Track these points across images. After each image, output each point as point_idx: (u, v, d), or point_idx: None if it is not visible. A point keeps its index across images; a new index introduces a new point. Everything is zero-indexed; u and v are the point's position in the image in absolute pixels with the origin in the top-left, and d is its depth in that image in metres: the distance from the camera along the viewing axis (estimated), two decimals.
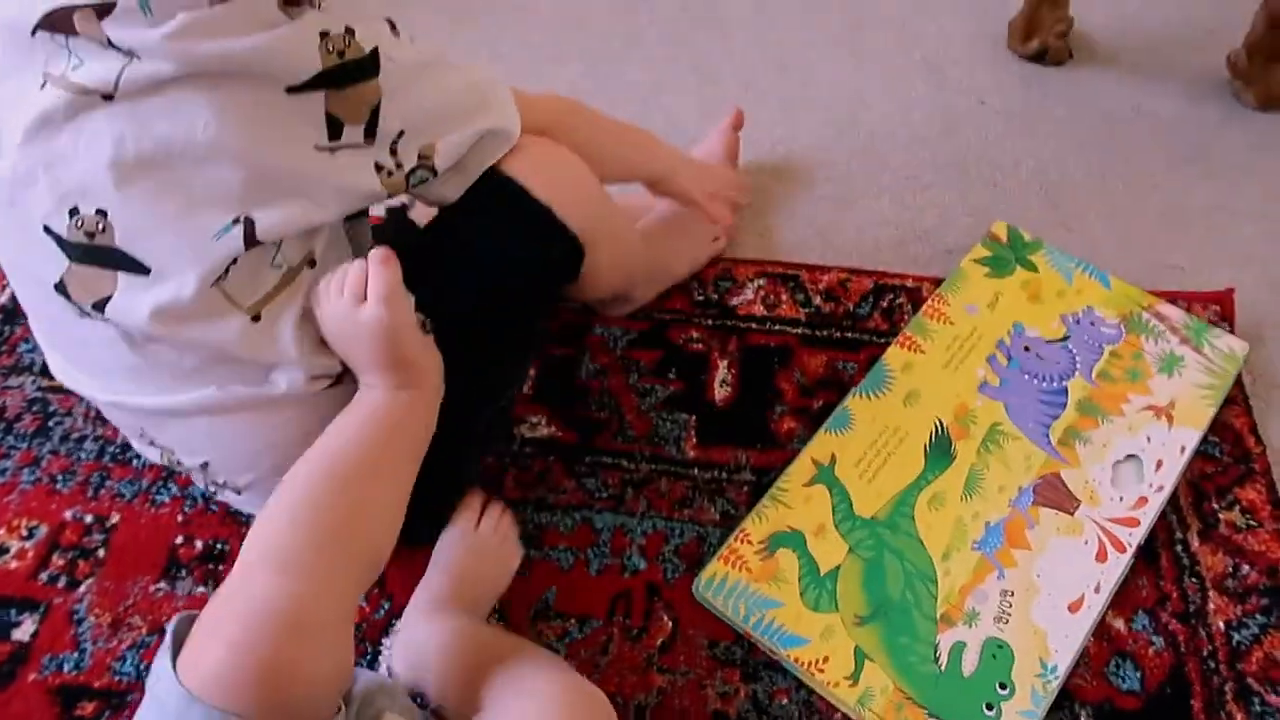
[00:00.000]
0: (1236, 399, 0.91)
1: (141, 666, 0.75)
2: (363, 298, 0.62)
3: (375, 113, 0.61)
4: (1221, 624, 0.79)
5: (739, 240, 1.05)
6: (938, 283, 0.99)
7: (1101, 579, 0.78)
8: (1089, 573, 0.78)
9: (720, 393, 0.91)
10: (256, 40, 0.55)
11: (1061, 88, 1.22)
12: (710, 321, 0.97)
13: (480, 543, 0.78)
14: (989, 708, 0.72)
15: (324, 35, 0.58)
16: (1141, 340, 0.92)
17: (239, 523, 0.83)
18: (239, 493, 0.73)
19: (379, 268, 0.61)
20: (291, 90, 0.58)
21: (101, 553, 0.81)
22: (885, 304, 0.98)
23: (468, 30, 1.31)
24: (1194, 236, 1.07)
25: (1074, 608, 0.77)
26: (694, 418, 0.90)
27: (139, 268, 0.59)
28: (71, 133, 0.56)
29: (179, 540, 0.82)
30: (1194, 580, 0.81)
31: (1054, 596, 0.77)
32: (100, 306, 0.60)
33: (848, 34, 1.28)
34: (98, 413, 0.89)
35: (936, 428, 0.86)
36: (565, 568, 0.81)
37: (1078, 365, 0.90)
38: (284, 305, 0.63)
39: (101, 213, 0.57)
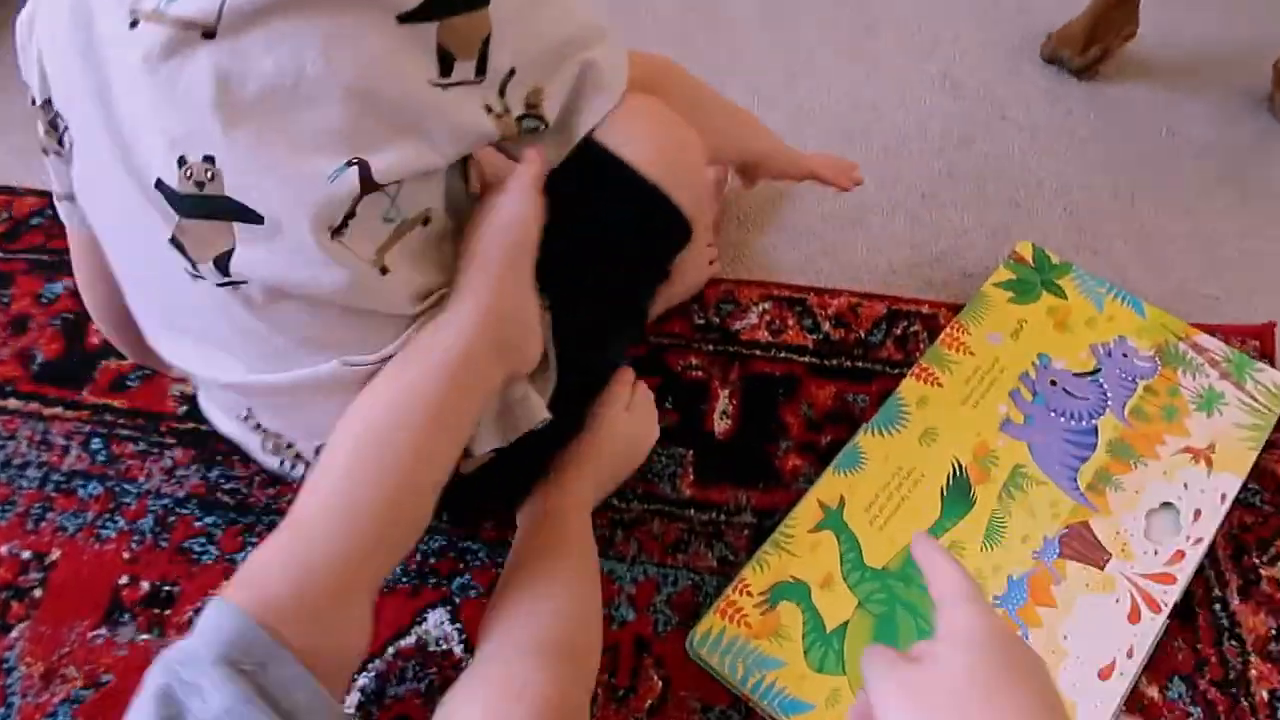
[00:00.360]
0: (1277, 442, 0.84)
1: None
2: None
3: (486, 46, 0.55)
4: (1265, 693, 0.72)
5: (743, 260, 0.98)
6: (956, 309, 0.92)
7: (1135, 642, 0.71)
8: (1121, 635, 0.71)
9: (720, 425, 0.84)
10: None
11: (1087, 103, 1.15)
12: (711, 347, 0.90)
13: (633, 424, 0.77)
14: None
15: None
16: (1178, 374, 0.85)
17: (190, 561, 0.76)
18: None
19: (525, 165, 0.60)
20: (402, 19, 0.52)
21: (38, 593, 0.74)
22: (899, 331, 0.91)
23: None
24: (1228, 265, 1.00)
25: (1105, 674, 0.70)
26: (691, 452, 0.83)
27: (253, 216, 0.53)
28: (170, 73, 0.50)
29: (124, 580, 0.75)
30: (1234, 643, 0.74)
31: (1083, 661, 0.70)
32: (223, 263, 0.54)
33: (859, 40, 1.22)
34: (42, 437, 0.83)
35: (954, 469, 0.79)
36: None
37: (1109, 402, 0.83)
38: (400, 255, 0.57)
39: (209, 159, 0.52)
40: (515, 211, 0.59)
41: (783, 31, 1.22)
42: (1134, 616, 0.72)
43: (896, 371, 0.87)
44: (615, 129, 0.62)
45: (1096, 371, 0.85)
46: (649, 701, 0.70)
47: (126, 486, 0.79)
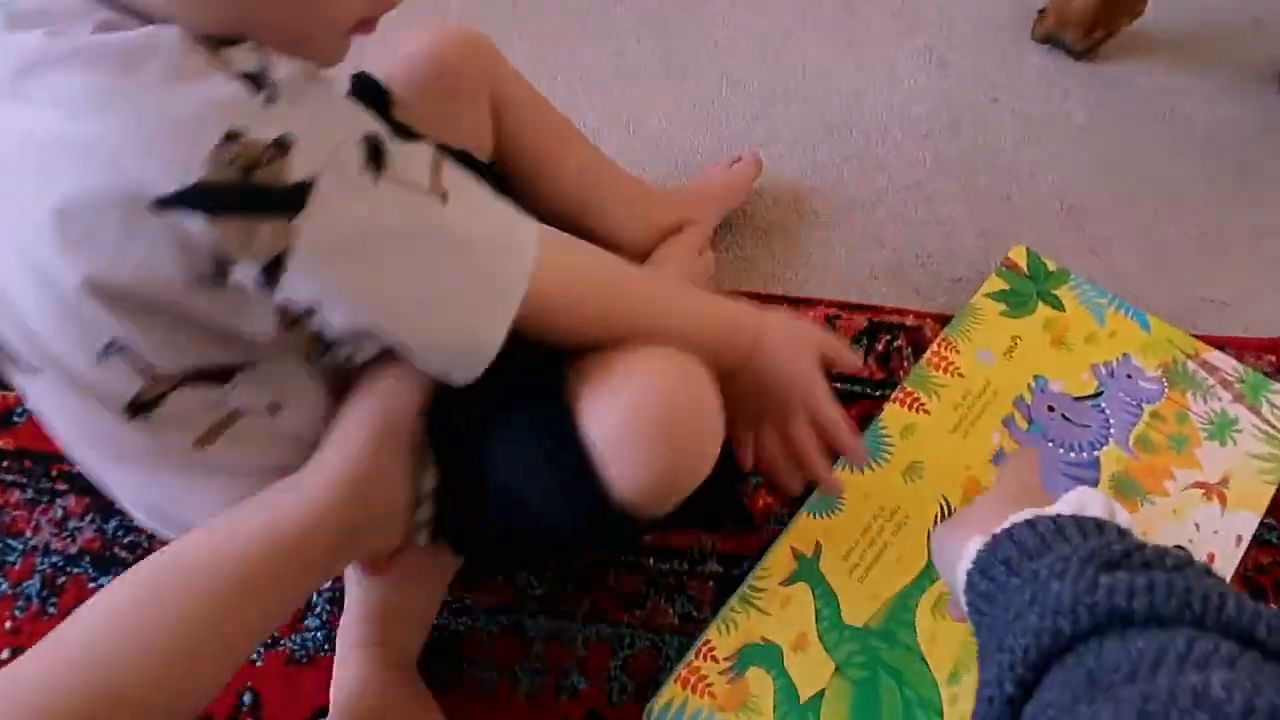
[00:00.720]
0: None
1: None
2: None
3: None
4: None
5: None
6: (943, 320, 0.83)
7: None
8: None
9: None
10: None
11: (1085, 84, 1.05)
12: None
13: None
14: None
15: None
16: (1187, 397, 0.77)
17: None
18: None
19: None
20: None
21: None
22: (882, 347, 0.83)
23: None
24: (1238, 265, 0.92)
25: None
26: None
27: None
28: None
29: (4, 655, 0.66)
30: None
31: None
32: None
33: (838, 17, 1.12)
34: None
35: (942, 509, 0.71)
36: (487, 689, 0.66)
37: (1112, 430, 0.75)
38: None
39: None
40: (400, 385, 0.50)
41: (756, 10, 1.12)
42: None
43: (879, 394, 0.79)
44: (593, 394, 0.50)
45: (1099, 395, 0.77)
46: None
47: (10, 543, 0.70)
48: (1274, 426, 0.76)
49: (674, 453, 0.51)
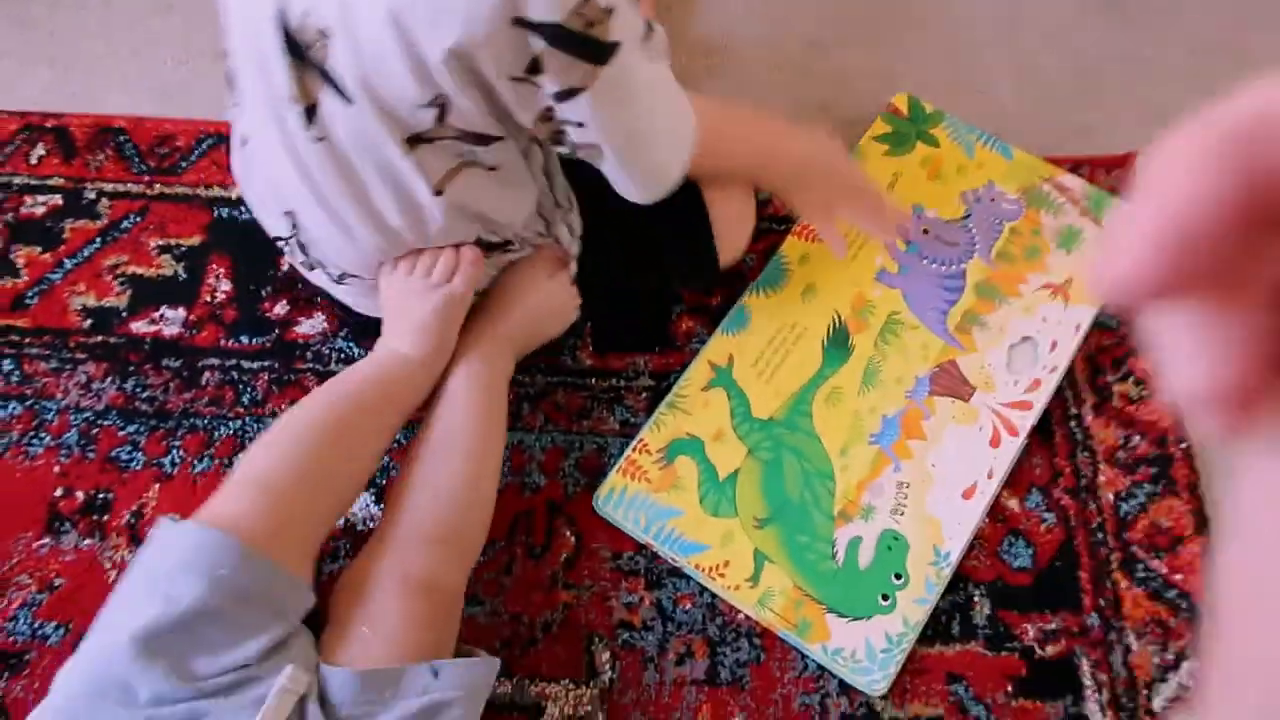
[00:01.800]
0: None
1: (35, 625, 0.74)
2: (446, 279, 0.71)
3: None
4: (1111, 496, 0.81)
5: None
6: None
7: (994, 464, 0.79)
8: (982, 459, 0.79)
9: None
10: None
11: None
12: None
13: (555, 287, 0.80)
14: (884, 598, 0.74)
15: None
16: (1040, 215, 0.90)
17: (119, 469, 0.80)
18: (339, 282, 0.77)
19: (472, 267, 0.72)
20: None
21: None
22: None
23: None
24: (1107, 93, 1.03)
25: (968, 495, 0.78)
26: (588, 324, 0.87)
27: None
28: None
29: (58, 493, 0.79)
30: (1086, 455, 0.82)
31: (948, 485, 0.78)
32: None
33: None
34: None
35: (834, 321, 0.85)
36: None
37: (977, 246, 0.88)
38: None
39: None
40: (456, 292, 0.72)
41: None
42: (995, 442, 0.80)
43: (782, 228, 0.91)
44: (714, 194, 0.78)
45: (967, 217, 0.90)
46: (564, 555, 0.78)
47: (46, 404, 0.82)
48: None
49: (741, 239, 0.83)
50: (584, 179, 0.73)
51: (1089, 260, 0.85)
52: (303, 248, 0.73)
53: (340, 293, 0.78)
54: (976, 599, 0.76)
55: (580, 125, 0.62)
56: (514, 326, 0.78)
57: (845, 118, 1.00)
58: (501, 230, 0.74)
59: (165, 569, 0.57)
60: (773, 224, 0.92)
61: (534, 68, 0.57)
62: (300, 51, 0.59)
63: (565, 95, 0.59)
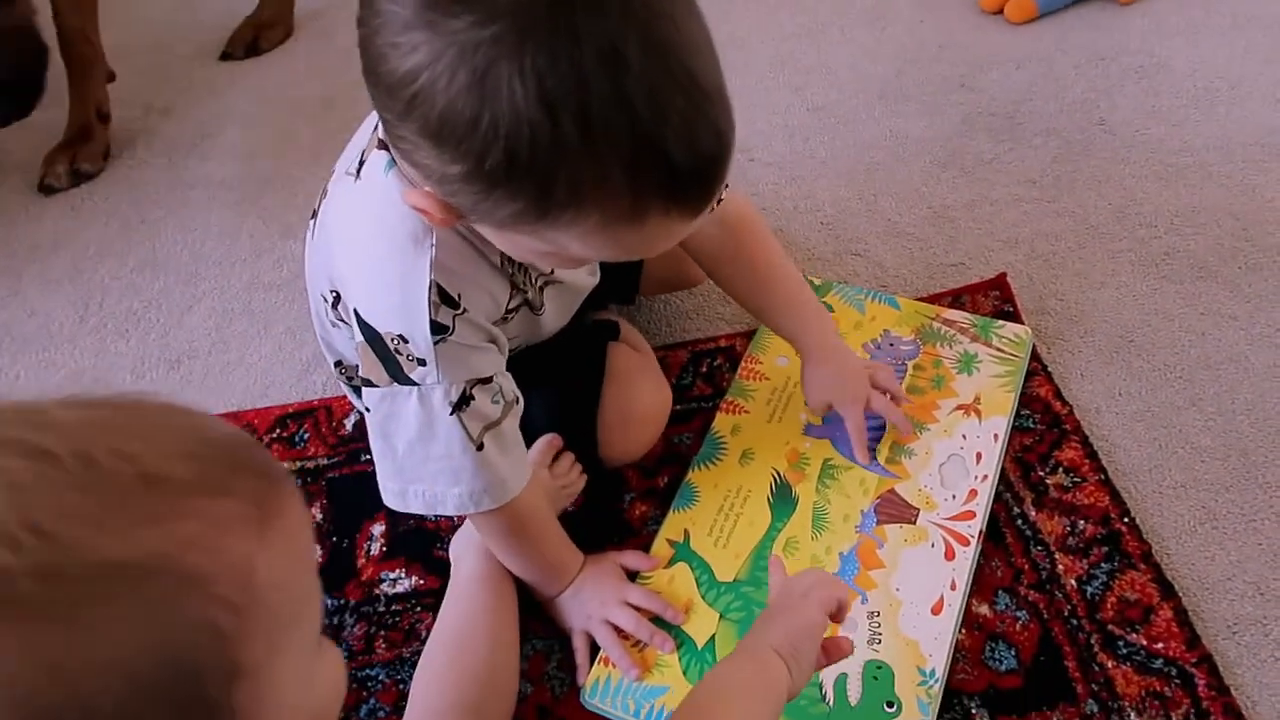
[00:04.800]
0: (1037, 371, 0.99)
1: None
2: None
3: None
4: (1074, 581, 0.84)
5: None
6: (749, 335, 1.04)
7: (954, 575, 0.82)
8: (942, 573, 0.82)
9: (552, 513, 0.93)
10: None
11: (821, 129, 1.31)
12: None
13: (550, 481, 0.86)
14: None
15: None
16: (937, 348, 0.99)
17: None
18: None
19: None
20: None
21: None
22: (705, 369, 1.03)
23: None
24: (964, 234, 1.16)
25: (936, 610, 0.80)
26: None
27: None
28: None
29: None
30: (1040, 548, 0.86)
31: (916, 605, 0.81)
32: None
33: None
34: None
35: (775, 478, 0.90)
36: None
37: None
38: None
39: None
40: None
41: None
42: (949, 555, 0.84)
43: (710, 404, 0.98)
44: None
45: None
46: None
47: None
48: (1003, 352, 0.98)
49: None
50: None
51: (988, 377, 0.94)
52: None
53: None
54: (974, 710, 0.77)
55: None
56: None
57: (744, 315, 1.10)
58: None
59: None
60: (700, 403, 0.99)
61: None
62: None
63: (366, 382, 0.70)
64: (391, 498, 0.73)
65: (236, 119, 1.46)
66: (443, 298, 0.65)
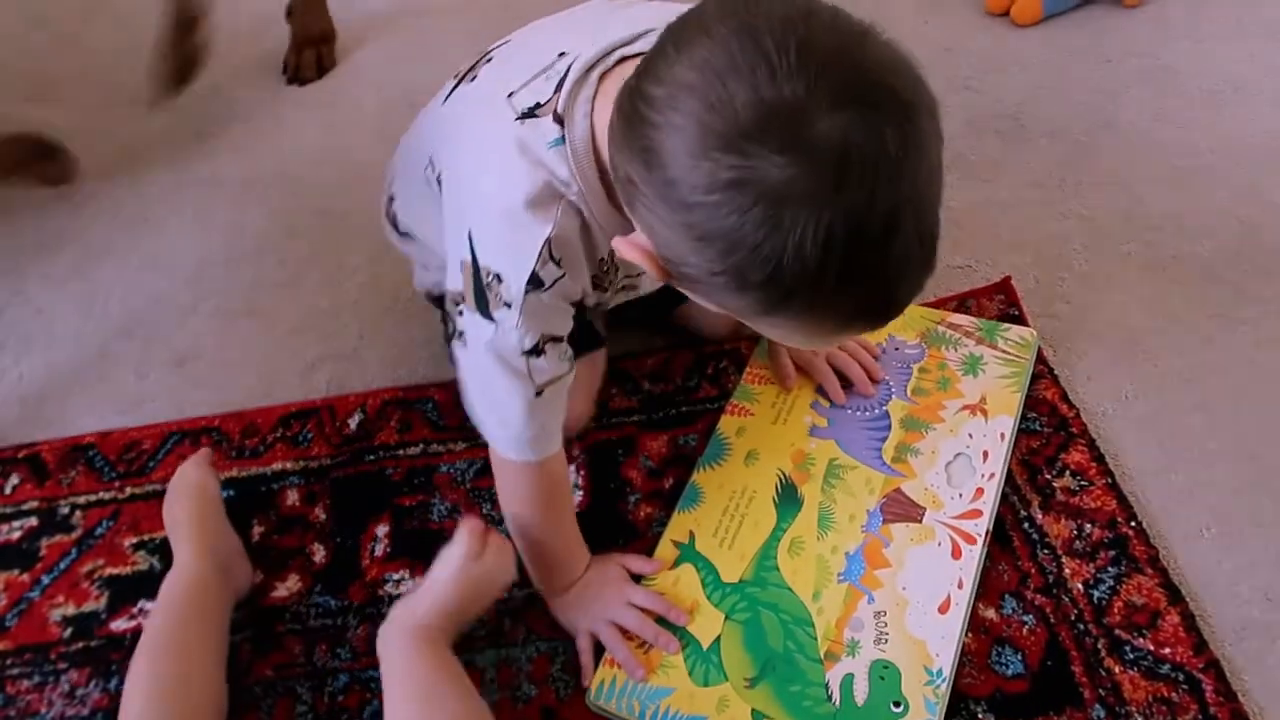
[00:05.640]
0: (1044, 374, 0.98)
1: None
2: None
3: None
4: (1080, 585, 0.83)
5: None
6: (755, 339, 1.03)
7: (961, 574, 0.82)
8: (949, 571, 0.82)
9: (575, 498, 0.93)
10: None
11: None
12: None
13: (482, 571, 0.77)
14: None
15: None
16: (943, 351, 0.98)
17: None
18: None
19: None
20: None
21: None
22: (710, 371, 1.02)
23: None
24: (971, 235, 1.15)
25: (943, 609, 0.80)
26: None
27: None
28: None
29: None
30: (1046, 552, 0.85)
31: (923, 604, 0.80)
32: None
33: None
34: None
35: (780, 479, 0.90)
36: None
37: (893, 389, 0.96)
38: None
39: None
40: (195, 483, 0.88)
41: None
42: (956, 553, 0.83)
43: (716, 406, 0.98)
44: None
45: None
46: None
47: None
48: (1008, 354, 0.97)
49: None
50: None
51: (993, 378, 0.94)
52: None
53: None
54: (980, 715, 0.76)
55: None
56: (452, 614, 0.77)
57: None
58: None
59: None
60: (706, 405, 0.99)
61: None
62: None
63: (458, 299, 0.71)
64: (469, 409, 0.78)
65: (240, 118, 1.46)
66: (551, 257, 0.67)
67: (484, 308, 0.69)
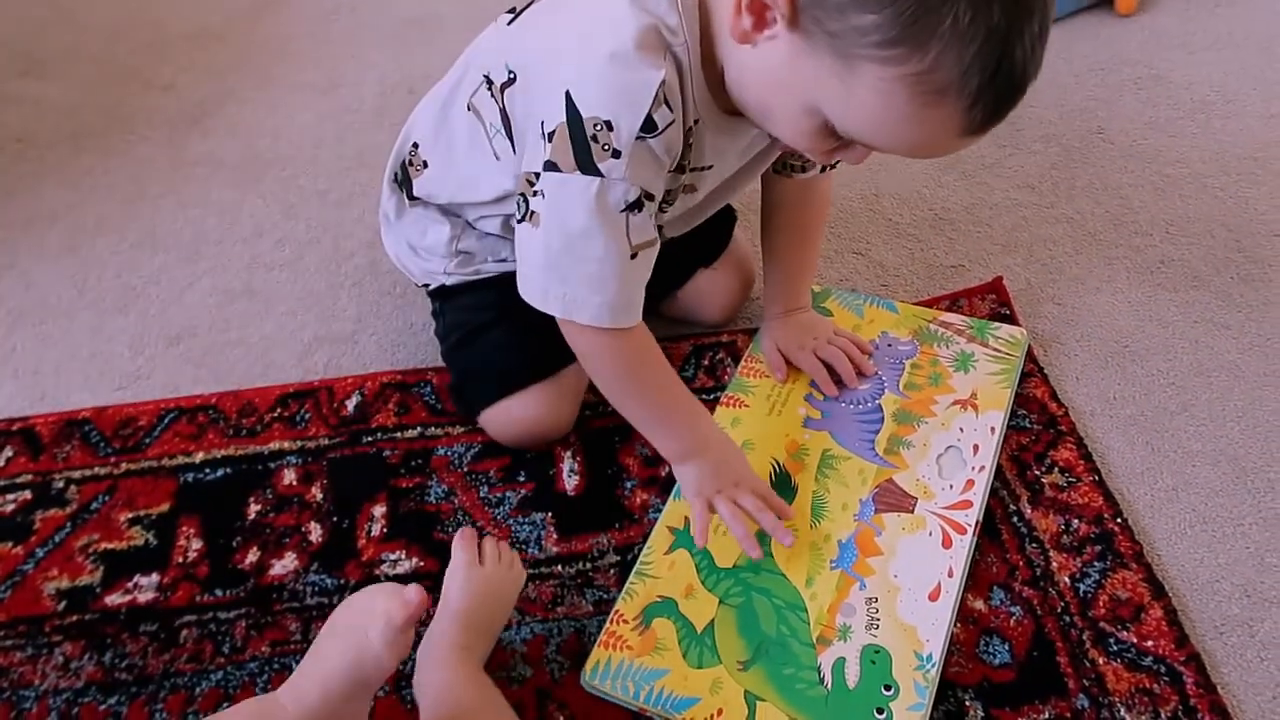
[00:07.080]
0: (1034, 372, 1.00)
1: None
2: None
3: None
4: (1067, 579, 0.85)
5: None
6: (750, 332, 1.05)
7: (951, 563, 0.83)
8: (939, 560, 0.84)
9: (571, 483, 0.94)
10: None
11: None
12: None
13: (486, 575, 0.78)
14: (879, 711, 0.75)
15: None
16: (934, 348, 1.00)
17: None
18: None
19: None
20: None
21: None
22: (707, 362, 1.04)
23: None
24: (964, 235, 1.17)
25: (934, 596, 0.81)
26: (550, 514, 0.91)
27: None
28: None
29: None
30: (1035, 545, 0.87)
31: (914, 591, 0.82)
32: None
33: None
34: None
35: (774, 468, 0.91)
36: None
37: (885, 384, 0.97)
38: None
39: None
40: (382, 651, 0.65)
41: None
42: (947, 543, 0.85)
43: (712, 396, 0.99)
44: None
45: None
46: None
47: (23, 693, 0.81)
48: (999, 351, 0.99)
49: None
50: None
51: (984, 374, 0.96)
52: None
53: None
54: (968, 703, 0.78)
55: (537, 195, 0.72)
56: (478, 631, 0.76)
57: (747, 312, 1.11)
58: None
59: None
60: (704, 395, 1.00)
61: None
62: None
63: (550, 165, 0.70)
64: (533, 293, 0.76)
65: (238, 98, 1.46)
66: (665, 101, 0.68)
67: (587, 162, 0.69)
